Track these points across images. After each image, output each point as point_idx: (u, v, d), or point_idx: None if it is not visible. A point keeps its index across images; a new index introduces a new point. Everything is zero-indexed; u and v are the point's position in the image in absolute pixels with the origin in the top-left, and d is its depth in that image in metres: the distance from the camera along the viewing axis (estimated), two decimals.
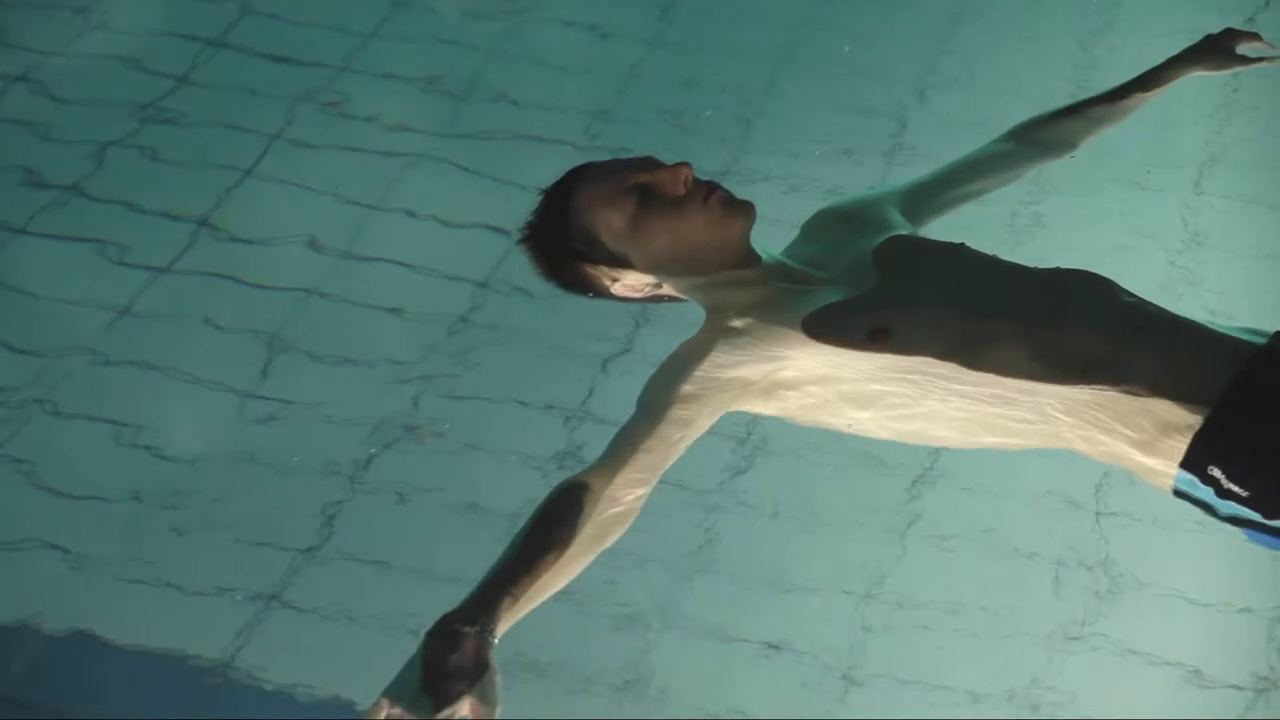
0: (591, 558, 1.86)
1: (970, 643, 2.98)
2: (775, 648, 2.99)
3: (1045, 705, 2.88)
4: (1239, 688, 2.90)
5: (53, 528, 3.25)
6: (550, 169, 2.27)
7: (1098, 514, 3.15)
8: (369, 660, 2.86)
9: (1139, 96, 2.34)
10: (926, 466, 3.23)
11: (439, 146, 4.09)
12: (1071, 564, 3.09)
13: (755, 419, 3.26)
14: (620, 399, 2.07)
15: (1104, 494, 3.16)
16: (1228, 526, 2.89)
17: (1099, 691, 2.91)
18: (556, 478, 1.91)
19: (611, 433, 1.96)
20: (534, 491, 3.07)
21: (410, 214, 3.93)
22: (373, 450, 3.37)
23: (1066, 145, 2.32)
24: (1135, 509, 3.15)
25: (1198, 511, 1.91)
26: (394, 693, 1.61)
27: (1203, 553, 3.01)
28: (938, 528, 3.16)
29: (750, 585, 3.10)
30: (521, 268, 3.56)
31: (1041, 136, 2.31)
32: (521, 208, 2.22)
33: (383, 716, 1.60)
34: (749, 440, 3.31)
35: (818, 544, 3.15)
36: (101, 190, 4.01)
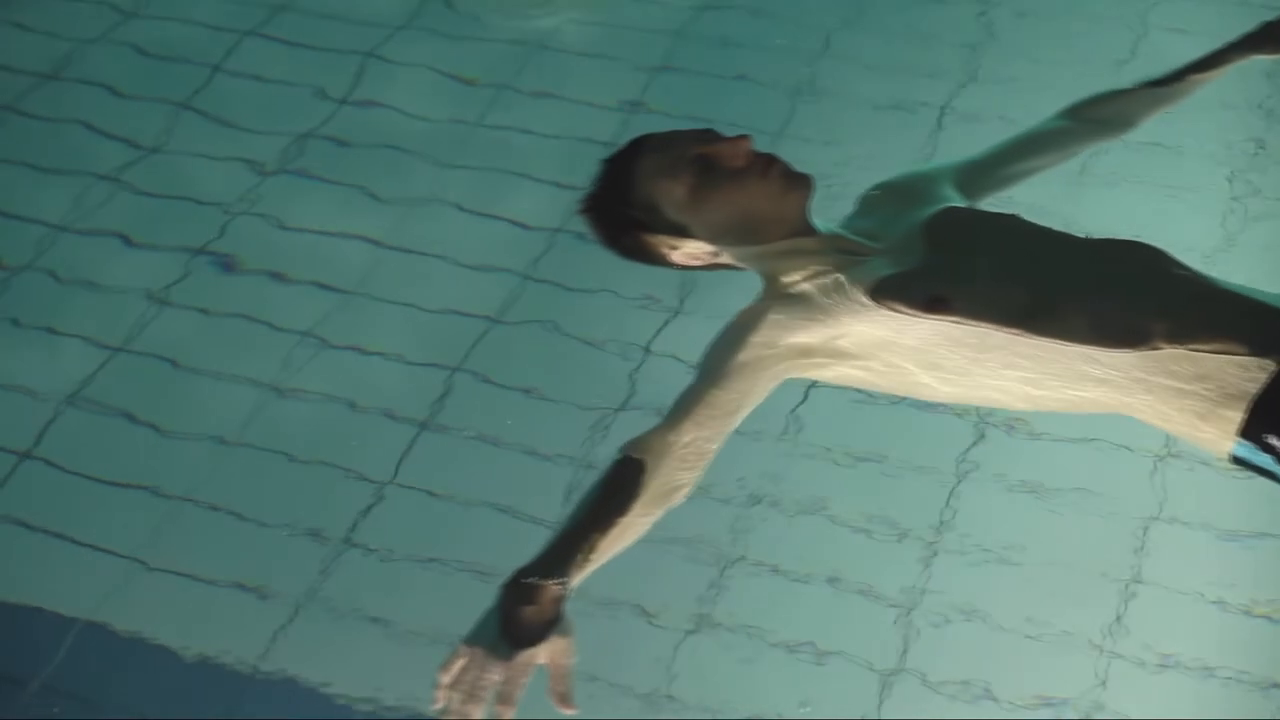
0: (655, 517, 1.89)
1: (1015, 647, 2.96)
2: (813, 649, 2.98)
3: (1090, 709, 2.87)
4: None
5: (83, 520, 3.25)
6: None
7: (1148, 521, 3.13)
8: (401, 659, 2.89)
9: (1196, 79, 2.35)
10: (968, 467, 3.23)
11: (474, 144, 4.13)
12: (1112, 570, 3.06)
13: (795, 411, 3.30)
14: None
15: (1165, 500, 3.16)
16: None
17: (1134, 698, 2.89)
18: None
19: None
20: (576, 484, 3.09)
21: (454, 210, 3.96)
22: (412, 444, 3.36)
23: (1125, 124, 2.34)
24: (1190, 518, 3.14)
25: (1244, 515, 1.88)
26: (472, 641, 1.65)
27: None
28: (979, 530, 3.14)
29: (786, 584, 3.09)
30: (564, 260, 3.65)
31: (1100, 114, 2.33)
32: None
33: (461, 664, 1.63)
34: (786, 435, 3.30)
35: (857, 546, 3.13)
36: (137, 181, 4.06)
